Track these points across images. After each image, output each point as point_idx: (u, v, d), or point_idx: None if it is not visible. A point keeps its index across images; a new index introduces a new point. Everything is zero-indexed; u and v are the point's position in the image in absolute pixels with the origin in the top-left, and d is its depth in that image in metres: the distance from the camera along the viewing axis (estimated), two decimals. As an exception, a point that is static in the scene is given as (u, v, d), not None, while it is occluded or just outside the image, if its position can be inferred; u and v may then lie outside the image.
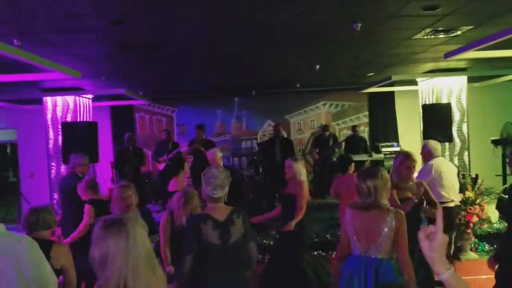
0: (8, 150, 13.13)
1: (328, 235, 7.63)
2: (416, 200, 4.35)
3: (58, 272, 3.28)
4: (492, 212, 7.74)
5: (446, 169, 5.99)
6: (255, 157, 11.49)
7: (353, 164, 6.27)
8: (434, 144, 6.14)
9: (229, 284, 3.26)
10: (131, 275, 1.97)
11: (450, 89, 9.89)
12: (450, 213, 5.75)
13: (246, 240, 3.34)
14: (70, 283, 3.40)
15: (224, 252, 3.25)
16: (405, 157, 4.50)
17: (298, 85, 11.42)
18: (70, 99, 9.50)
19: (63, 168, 9.23)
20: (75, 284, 3.42)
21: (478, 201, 7.34)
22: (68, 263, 3.34)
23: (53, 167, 9.46)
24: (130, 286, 1.96)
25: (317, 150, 11.09)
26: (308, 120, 12.95)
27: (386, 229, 3.29)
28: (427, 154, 6.11)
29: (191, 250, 3.20)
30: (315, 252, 7.31)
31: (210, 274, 3.24)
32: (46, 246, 3.23)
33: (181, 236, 3.74)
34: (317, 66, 8.42)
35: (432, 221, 1.84)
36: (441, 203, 5.23)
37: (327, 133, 11.20)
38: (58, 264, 3.26)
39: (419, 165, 5.59)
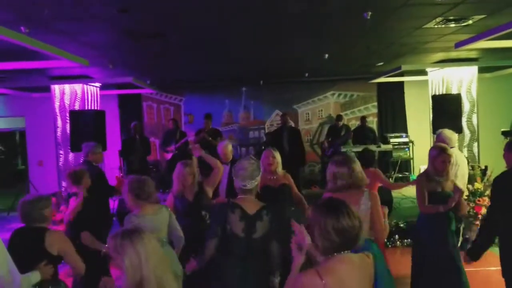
0: (16, 138, 13.19)
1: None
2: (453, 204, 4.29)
3: (58, 258, 3.30)
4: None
5: (461, 161, 5.92)
6: (263, 147, 11.46)
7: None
8: (449, 133, 5.92)
9: (249, 280, 3.21)
10: None
11: (461, 80, 9.79)
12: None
13: (270, 238, 3.30)
14: (75, 268, 3.41)
15: (247, 246, 3.23)
16: (440, 151, 4.42)
17: (307, 75, 11.35)
18: (78, 87, 9.50)
19: (71, 156, 9.27)
20: (81, 268, 3.40)
21: (487, 192, 7.26)
22: (65, 247, 3.32)
23: (61, 155, 9.49)
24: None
25: (329, 139, 11.06)
26: (316, 110, 12.88)
27: (363, 207, 3.40)
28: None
29: (215, 235, 3.22)
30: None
31: (234, 266, 3.22)
32: (40, 233, 3.25)
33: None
34: (326, 56, 8.35)
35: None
36: None
37: (340, 123, 11.15)
38: (55, 250, 3.25)
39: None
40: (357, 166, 3.51)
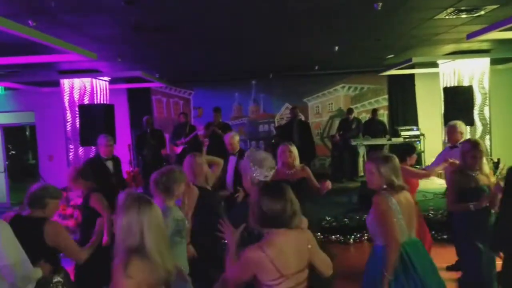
0: (27, 133, 13.27)
1: (346, 219, 7.54)
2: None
3: (54, 249, 3.31)
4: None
5: None
6: (273, 141, 11.42)
7: (414, 156, 5.48)
8: (462, 125, 5.85)
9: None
10: None
11: (472, 72, 9.67)
12: None
13: None
14: (75, 259, 3.49)
15: None
16: (472, 146, 4.33)
17: (317, 68, 11.27)
18: (87, 81, 9.52)
19: (81, 150, 9.30)
20: (80, 258, 3.43)
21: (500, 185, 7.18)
22: (58, 240, 3.29)
23: (71, 150, 9.53)
24: None
25: (341, 133, 11.00)
26: (326, 103, 12.80)
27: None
28: (459, 135, 5.79)
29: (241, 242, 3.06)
30: (333, 236, 7.26)
31: None
32: (39, 224, 3.25)
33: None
34: (336, 48, 8.27)
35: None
36: None
37: (351, 116, 11.08)
38: (51, 241, 3.24)
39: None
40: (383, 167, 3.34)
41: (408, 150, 5.49)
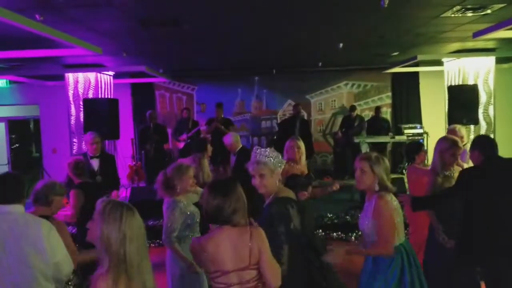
0: (31, 126, 13.28)
1: (348, 217, 7.56)
2: None
3: None
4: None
5: None
6: (275, 137, 11.43)
7: (422, 154, 5.32)
8: (462, 129, 5.76)
9: (304, 272, 3.13)
10: None
11: (477, 70, 9.65)
12: None
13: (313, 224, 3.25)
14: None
15: (303, 237, 3.13)
16: (452, 143, 4.18)
17: (320, 64, 11.24)
18: (91, 75, 9.53)
19: (84, 144, 9.31)
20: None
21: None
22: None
23: (75, 143, 9.55)
24: None
25: (343, 130, 11.00)
26: (329, 100, 12.78)
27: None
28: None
29: (286, 239, 2.93)
30: (335, 234, 7.29)
31: (295, 263, 3.01)
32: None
33: None
34: (340, 45, 8.25)
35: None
36: None
37: (354, 113, 11.07)
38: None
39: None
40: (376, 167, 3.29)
41: (415, 148, 5.35)
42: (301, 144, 4.99)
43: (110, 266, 2.06)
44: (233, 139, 6.25)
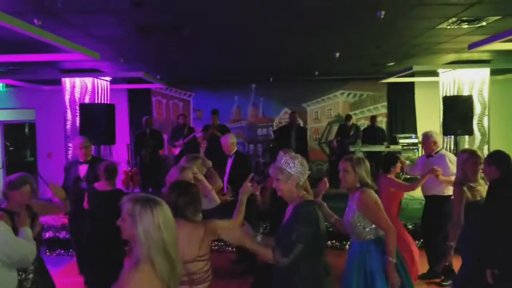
0: (26, 130, 13.25)
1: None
2: None
3: None
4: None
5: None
6: (271, 145, 11.44)
7: (398, 166, 5.41)
8: (437, 134, 5.82)
9: (325, 275, 3.10)
10: None
11: (472, 81, 9.72)
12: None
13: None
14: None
15: (325, 241, 3.22)
16: (470, 154, 4.28)
17: (317, 73, 11.31)
18: (88, 81, 9.54)
19: (72, 148, 9.29)
20: None
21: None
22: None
23: (70, 148, 9.53)
24: None
25: (339, 138, 11.03)
26: (325, 109, 12.84)
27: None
28: (433, 145, 5.72)
29: (305, 241, 2.89)
30: (329, 242, 7.28)
31: (318, 265, 3.01)
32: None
33: None
34: (337, 54, 8.31)
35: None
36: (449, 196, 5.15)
37: (350, 122, 11.11)
38: None
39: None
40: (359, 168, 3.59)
41: (392, 160, 5.45)
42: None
43: (150, 255, 2.12)
44: (231, 140, 6.38)
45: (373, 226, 3.57)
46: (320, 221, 2.99)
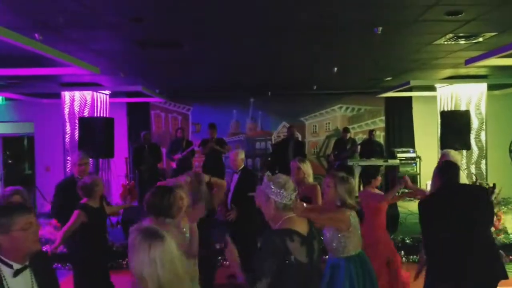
0: (25, 143, 13.24)
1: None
2: None
3: None
4: (509, 222, 7.62)
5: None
6: (269, 159, 11.46)
7: (378, 178, 5.50)
8: (456, 154, 5.81)
9: None
10: None
11: (470, 96, 9.78)
12: None
13: (321, 254, 3.08)
14: None
15: (310, 270, 2.87)
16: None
17: (315, 87, 11.37)
18: (87, 94, 9.58)
19: (70, 165, 9.28)
20: None
21: (495, 211, 7.22)
22: None
23: (68, 161, 9.52)
24: None
25: (336, 153, 11.04)
26: (323, 123, 12.88)
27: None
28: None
29: (270, 273, 2.69)
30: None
31: None
32: None
33: None
34: (335, 69, 8.36)
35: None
36: None
37: (347, 136, 11.11)
38: None
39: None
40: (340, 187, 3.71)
41: (373, 173, 5.72)
42: (304, 166, 5.19)
43: None
44: (240, 156, 6.10)
45: (346, 244, 3.67)
46: (293, 251, 2.75)
